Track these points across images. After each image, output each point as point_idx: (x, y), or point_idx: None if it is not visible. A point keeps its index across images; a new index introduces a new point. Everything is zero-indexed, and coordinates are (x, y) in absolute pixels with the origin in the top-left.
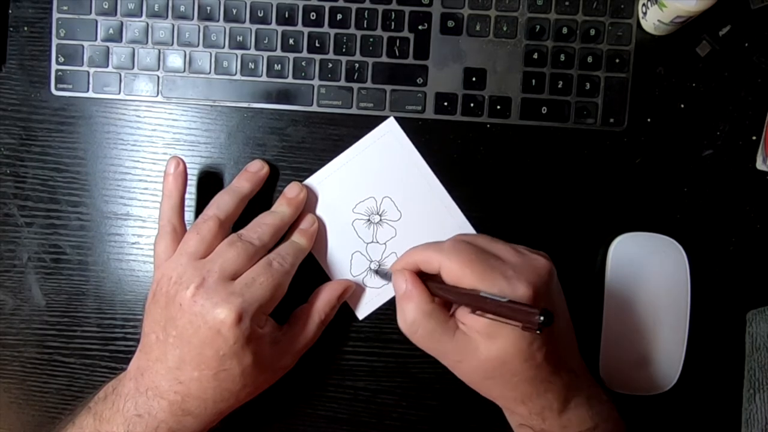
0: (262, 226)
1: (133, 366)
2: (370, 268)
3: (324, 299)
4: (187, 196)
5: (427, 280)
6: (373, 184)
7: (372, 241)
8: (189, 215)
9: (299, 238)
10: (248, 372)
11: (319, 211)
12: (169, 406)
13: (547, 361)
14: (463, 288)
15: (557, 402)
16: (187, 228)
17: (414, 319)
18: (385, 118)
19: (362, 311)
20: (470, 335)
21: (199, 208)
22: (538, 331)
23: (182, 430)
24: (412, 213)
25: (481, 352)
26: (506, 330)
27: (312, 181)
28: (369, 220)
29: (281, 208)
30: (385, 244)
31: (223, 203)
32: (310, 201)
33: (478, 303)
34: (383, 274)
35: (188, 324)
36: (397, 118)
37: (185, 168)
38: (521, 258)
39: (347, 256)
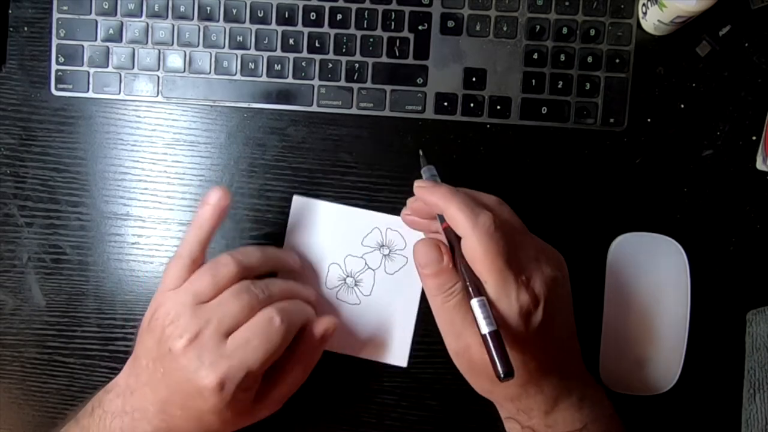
0: (275, 286)
1: (123, 380)
2: (420, 152)
3: (307, 344)
4: (187, 195)
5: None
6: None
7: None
8: (185, 215)
9: (308, 309)
10: (229, 421)
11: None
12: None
13: (539, 368)
14: (472, 272)
15: (545, 404)
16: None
17: (435, 293)
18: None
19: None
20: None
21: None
22: (499, 378)
23: None
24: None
25: (474, 351)
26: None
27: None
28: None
29: (300, 289)
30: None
31: (253, 257)
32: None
33: (472, 307)
34: (423, 165)
35: (174, 371)
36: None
37: (228, 204)
38: (537, 264)
39: (324, 268)
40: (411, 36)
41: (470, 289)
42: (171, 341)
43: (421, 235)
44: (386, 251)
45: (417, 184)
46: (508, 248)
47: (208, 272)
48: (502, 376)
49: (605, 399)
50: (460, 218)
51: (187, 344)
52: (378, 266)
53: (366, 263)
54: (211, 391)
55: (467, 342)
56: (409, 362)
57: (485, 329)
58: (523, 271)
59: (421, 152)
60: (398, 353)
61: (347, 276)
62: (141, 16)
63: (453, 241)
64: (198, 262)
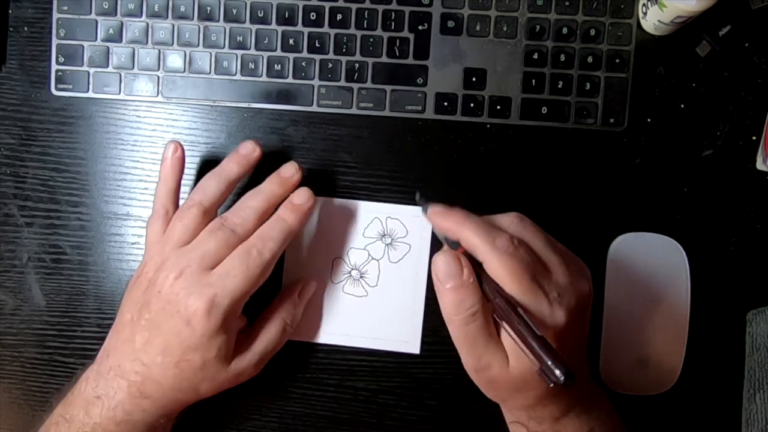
0: (246, 210)
1: (102, 349)
2: (416, 197)
3: (284, 298)
4: (187, 195)
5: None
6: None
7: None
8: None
9: (288, 215)
10: (209, 366)
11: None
12: (128, 387)
13: None
14: (503, 290)
15: (558, 412)
16: None
17: (457, 312)
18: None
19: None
20: (504, 345)
21: None
22: (550, 384)
23: (138, 413)
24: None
25: (495, 369)
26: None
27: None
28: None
29: (270, 187)
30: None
31: (208, 189)
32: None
33: (511, 319)
34: (422, 204)
35: (162, 310)
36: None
37: (183, 153)
38: (569, 278)
39: (327, 263)
40: (411, 36)
41: (503, 304)
42: (158, 282)
43: (420, 223)
44: (388, 240)
45: (431, 210)
46: (533, 267)
47: (177, 219)
48: (562, 379)
49: (607, 401)
50: (476, 242)
51: (174, 281)
52: (381, 256)
53: (369, 254)
54: (199, 317)
55: (489, 361)
56: (421, 350)
57: (537, 335)
58: (554, 288)
59: (417, 195)
60: (410, 341)
61: (352, 269)
62: (141, 16)
63: (474, 266)
64: (171, 214)
